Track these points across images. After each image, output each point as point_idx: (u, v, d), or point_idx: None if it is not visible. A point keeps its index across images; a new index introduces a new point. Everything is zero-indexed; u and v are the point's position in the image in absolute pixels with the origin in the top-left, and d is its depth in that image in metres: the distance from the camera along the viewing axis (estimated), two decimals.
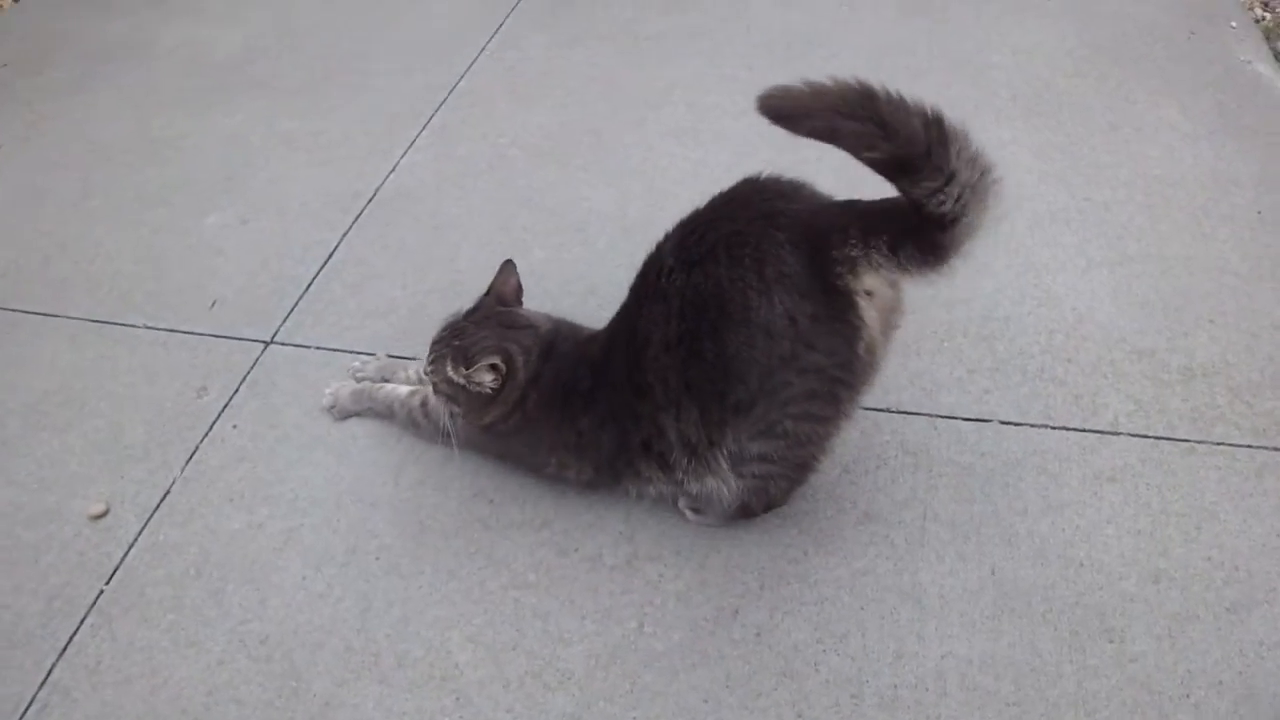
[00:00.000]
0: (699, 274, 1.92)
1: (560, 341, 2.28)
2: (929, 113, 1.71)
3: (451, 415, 2.33)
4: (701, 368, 1.95)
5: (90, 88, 4.09)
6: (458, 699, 2.06)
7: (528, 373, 2.23)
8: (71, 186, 3.56)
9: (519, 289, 2.41)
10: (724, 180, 3.03)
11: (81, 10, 4.69)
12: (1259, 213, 3.08)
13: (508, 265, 2.38)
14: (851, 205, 1.94)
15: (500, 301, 2.35)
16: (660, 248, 2.07)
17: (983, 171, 1.75)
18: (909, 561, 2.23)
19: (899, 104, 1.71)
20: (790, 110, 1.81)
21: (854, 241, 1.85)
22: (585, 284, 2.90)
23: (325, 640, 2.18)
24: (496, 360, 2.17)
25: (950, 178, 1.72)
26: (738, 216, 1.96)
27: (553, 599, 2.21)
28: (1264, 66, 3.71)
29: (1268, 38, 3.91)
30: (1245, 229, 3.02)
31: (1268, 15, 4.15)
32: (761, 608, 2.16)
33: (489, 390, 2.21)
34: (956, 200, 1.74)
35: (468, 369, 2.17)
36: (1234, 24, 3.96)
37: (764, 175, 2.06)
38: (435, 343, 2.30)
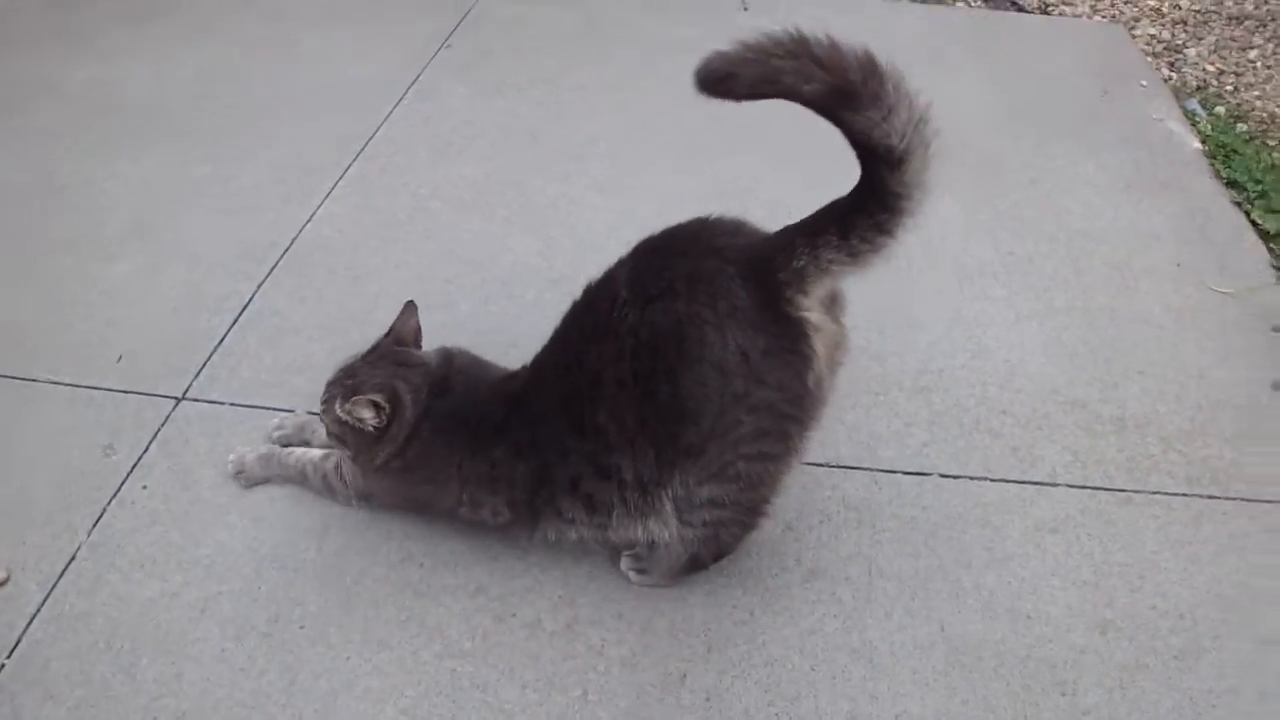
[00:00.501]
0: (656, 310, 1.87)
1: (458, 374, 2.24)
2: (859, 48, 1.70)
3: (340, 463, 2.29)
4: (656, 407, 1.89)
5: None
6: None
7: (417, 409, 2.16)
8: None
9: (418, 330, 2.36)
10: (650, 231, 3.01)
11: None
12: (1178, 265, 3.14)
13: (409, 306, 2.35)
14: (791, 225, 1.92)
15: (398, 342, 2.30)
16: (611, 280, 2.01)
17: (920, 112, 1.75)
18: (857, 619, 2.18)
19: (830, 42, 1.69)
20: (726, 68, 1.74)
21: (801, 251, 1.83)
22: (509, 337, 2.79)
23: (248, 716, 2.04)
24: (377, 397, 2.11)
25: (890, 110, 1.71)
26: (691, 252, 1.93)
27: (491, 668, 2.11)
28: (1174, 124, 3.81)
29: (1176, 96, 4.03)
30: (1166, 281, 3.07)
31: (1174, 75, 4.28)
32: (710, 671, 2.09)
33: (372, 428, 2.14)
34: (901, 136, 1.72)
35: (349, 406, 2.10)
36: (1144, 83, 4.07)
37: (711, 216, 2.03)
38: (329, 383, 2.24)
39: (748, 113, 3.62)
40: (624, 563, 2.24)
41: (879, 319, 2.86)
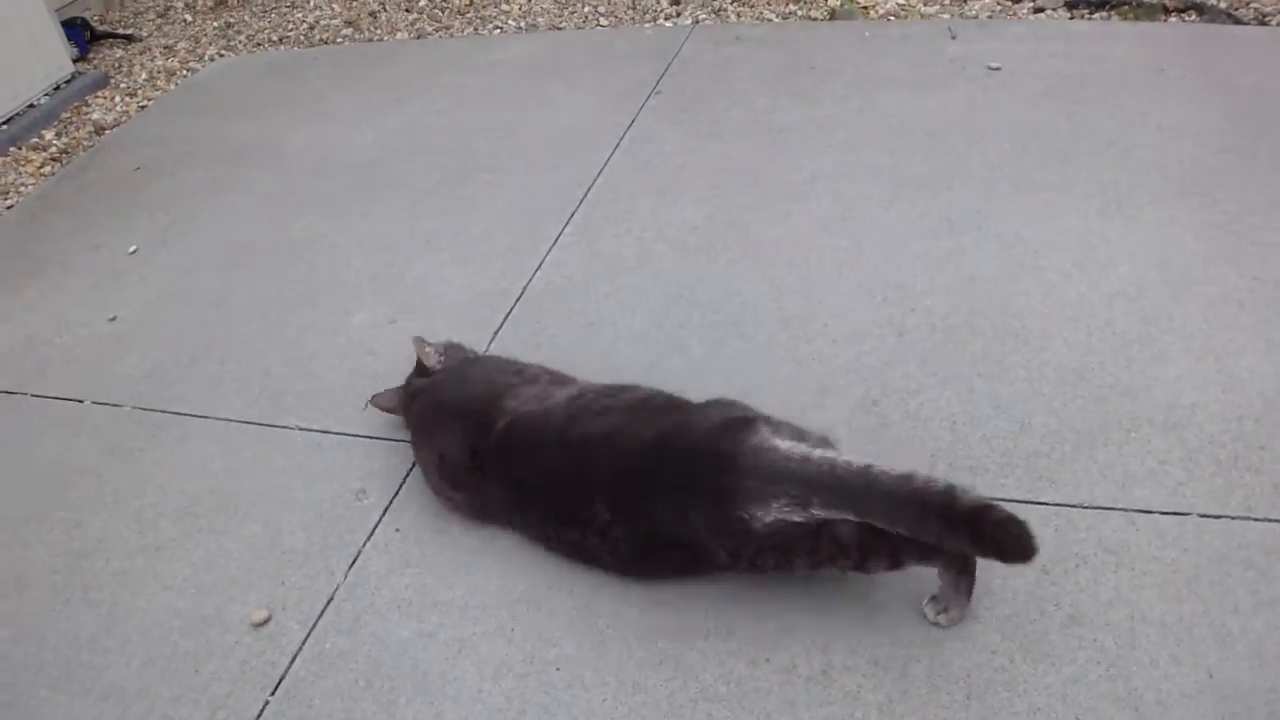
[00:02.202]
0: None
1: None
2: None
3: None
4: None
5: (225, 190, 4.12)
6: None
7: None
8: (212, 287, 3.56)
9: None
10: (880, 270, 2.94)
11: (210, 116, 4.77)
12: None
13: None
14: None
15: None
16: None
17: None
18: (1121, 666, 2.04)
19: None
20: None
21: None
22: (749, 381, 2.78)
23: None
24: None
25: None
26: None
27: (747, 713, 2.05)
28: None
29: None
30: None
31: None
32: None
33: None
34: None
35: None
36: None
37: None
38: None
39: (963, 145, 3.59)
40: (929, 612, 2.17)
41: (1125, 352, 2.72)
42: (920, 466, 2.40)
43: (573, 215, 3.58)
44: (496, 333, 3.10)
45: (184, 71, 5.67)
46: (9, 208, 4.48)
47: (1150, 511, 2.34)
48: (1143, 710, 1.98)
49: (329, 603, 2.38)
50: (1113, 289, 2.92)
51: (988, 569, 2.16)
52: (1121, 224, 3.16)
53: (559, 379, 2.57)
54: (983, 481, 2.40)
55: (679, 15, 4.97)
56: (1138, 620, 2.12)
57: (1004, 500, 2.30)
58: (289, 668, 2.27)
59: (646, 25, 4.89)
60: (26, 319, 3.62)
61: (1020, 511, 2.26)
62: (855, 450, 2.48)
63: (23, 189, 4.60)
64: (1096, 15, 4.62)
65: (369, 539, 2.51)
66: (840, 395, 2.69)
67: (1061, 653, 2.08)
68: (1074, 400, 2.59)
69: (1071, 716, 1.98)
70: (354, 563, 2.47)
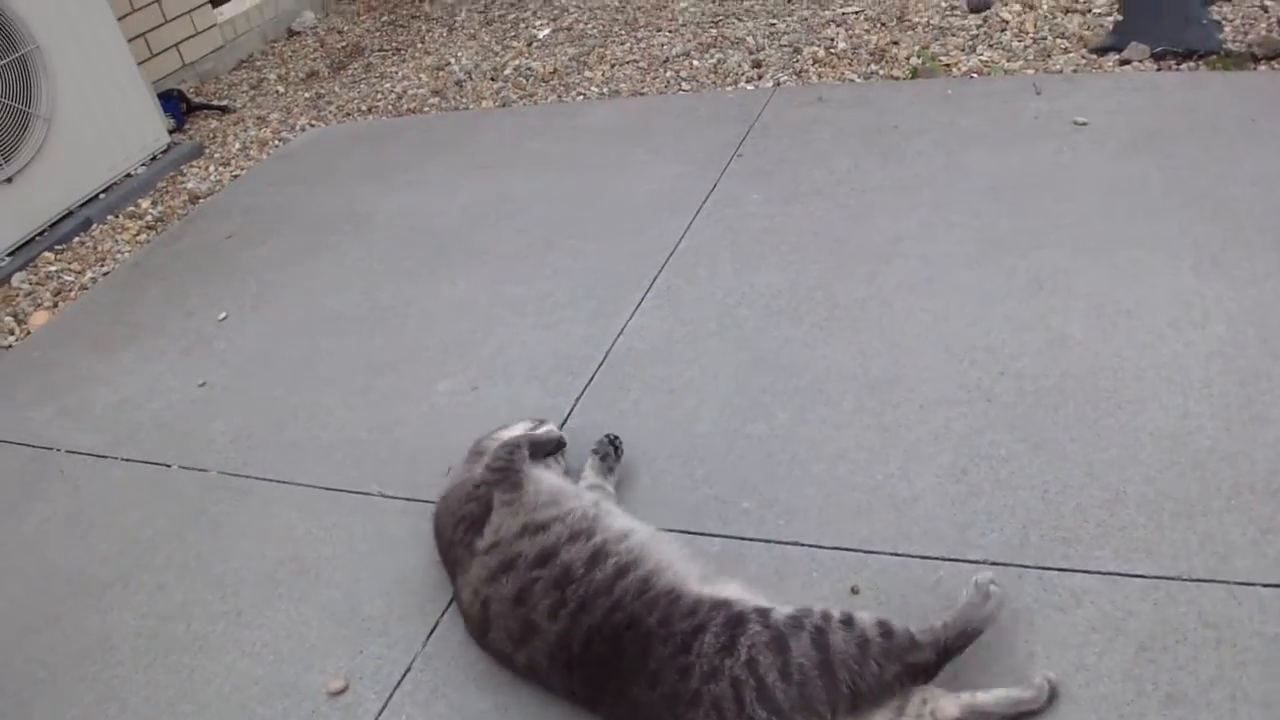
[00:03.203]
0: None
1: None
2: None
3: None
4: None
5: (314, 257, 4.19)
6: None
7: None
8: (300, 354, 3.60)
9: None
10: (967, 333, 2.86)
11: (300, 186, 4.87)
12: None
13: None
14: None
15: None
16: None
17: None
18: None
19: None
20: None
21: None
22: (835, 448, 2.72)
23: None
24: None
25: None
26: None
27: None
28: None
29: None
30: None
31: None
32: None
33: None
34: None
35: None
36: None
37: None
38: None
39: (1050, 202, 3.51)
40: None
41: (1223, 415, 2.60)
42: (1012, 538, 2.36)
43: (655, 280, 3.56)
44: (578, 399, 3.08)
45: (276, 141, 5.80)
46: (106, 274, 4.59)
47: (1252, 584, 2.22)
48: None
49: (406, 673, 2.36)
50: (1209, 349, 2.80)
51: (1084, 646, 2.08)
52: (1216, 280, 3.04)
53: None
54: (1076, 553, 2.30)
55: (760, 78, 4.97)
56: (1239, 700, 2.00)
57: (1099, 573, 2.23)
58: None
59: (728, 89, 4.89)
60: (122, 383, 3.69)
61: (1117, 585, 2.20)
62: (946, 521, 2.43)
63: (119, 256, 4.72)
64: (1184, 66, 4.51)
65: (447, 608, 2.48)
66: (928, 464, 2.62)
67: None
68: (1171, 466, 2.48)
69: None
70: (432, 632, 2.44)
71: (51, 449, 3.43)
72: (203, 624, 2.63)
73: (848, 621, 1.95)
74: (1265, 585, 2.21)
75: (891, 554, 2.40)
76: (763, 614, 1.97)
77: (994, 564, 2.30)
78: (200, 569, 2.80)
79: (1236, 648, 2.10)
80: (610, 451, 2.72)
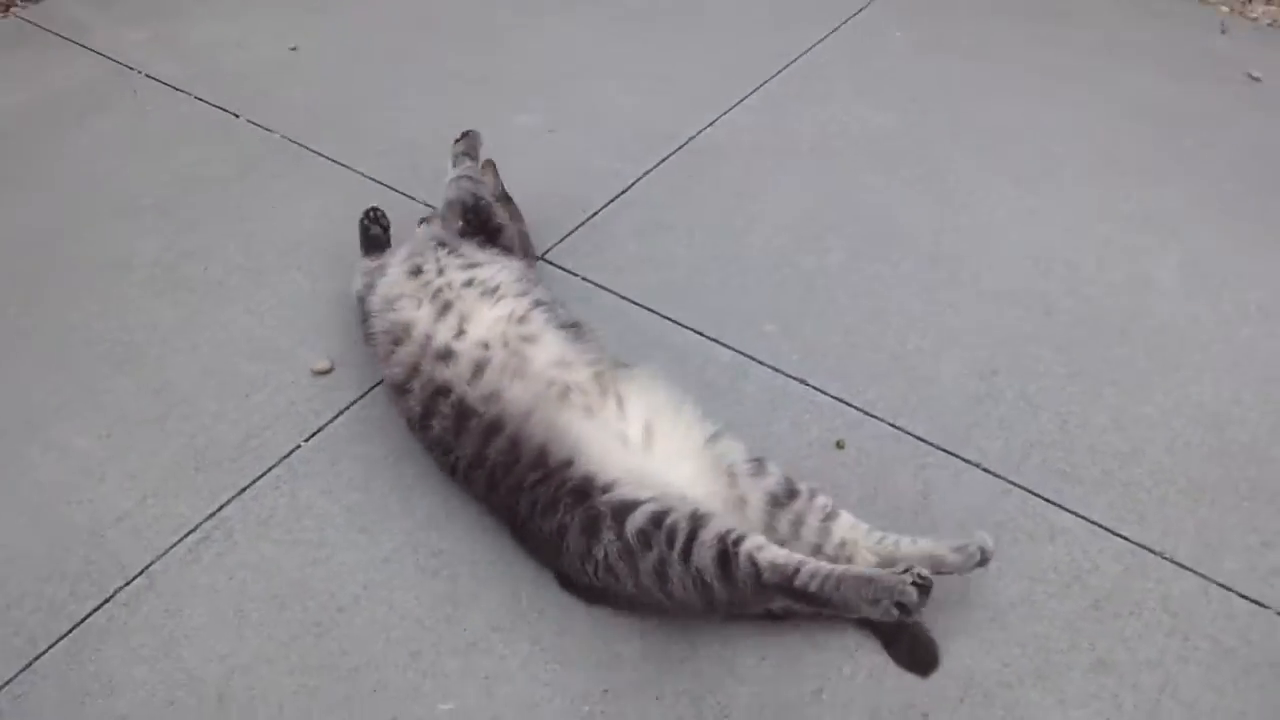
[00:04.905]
0: None
1: None
2: None
3: None
4: None
5: None
6: None
7: None
8: (393, 48, 3.55)
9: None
10: (1056, 242, 2.69)
11: None
12: None
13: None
14: None
15: None
16: None
17: None
18: None
19: None
20: None
21: None
22: (875, 303, 2.63)
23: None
24: None
25: None
26: None
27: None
28: None
29: None
30: None
31: None
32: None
33: None
34: None
35: None
36: None
37: None
38: None
39: (1189, 147, 3.26)
40: None
41: (1273, 417, 2.43)
42: (1014, 453, 2.28)
43: (765, 83, 3.41)
44: (647, 173, 3.00)
45: None
46: None
47: (1230, 589, 2.09)
48: None
49: None
50: None
51: (1038, 580, 2.04)
52: None
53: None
54: (1071, 491, 2.22)
55: None
56: (1167, 693, 1.91)
57: (1084, 519, 2.15)
58: (331, 421, 2.29)
59: None
60: (218, 25, 3.67)
61: (1096, 536, 2.11)
62: (956, 412, 2.35)
63: None
64: None
65: None
66: (961, 351, 2.52)
67: (1076, 694, 1.90)
68: (1200, 445, 2.34)
69: None
70: None
71: (132, 69, 3.44)
72: (219, 271, 2.66)
73: (686, 555, 1.83)
74: (1242, 596, 2.08)
75: (890, 424, 2.33)
76: (619, 518, 1.88)
77: (986, 470, 2.23)
78: (234, 220, 2.82)
79: (1187, 643, 1.99)
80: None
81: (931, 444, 2.29)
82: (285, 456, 2.22)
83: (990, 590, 2.01)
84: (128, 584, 2.02)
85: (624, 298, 2.61)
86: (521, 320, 2.15)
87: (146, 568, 2.04)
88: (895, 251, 2.80)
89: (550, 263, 2.70)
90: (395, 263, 2.35)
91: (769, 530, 1.93)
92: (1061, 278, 2.74)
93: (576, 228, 2.81)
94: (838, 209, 2.93)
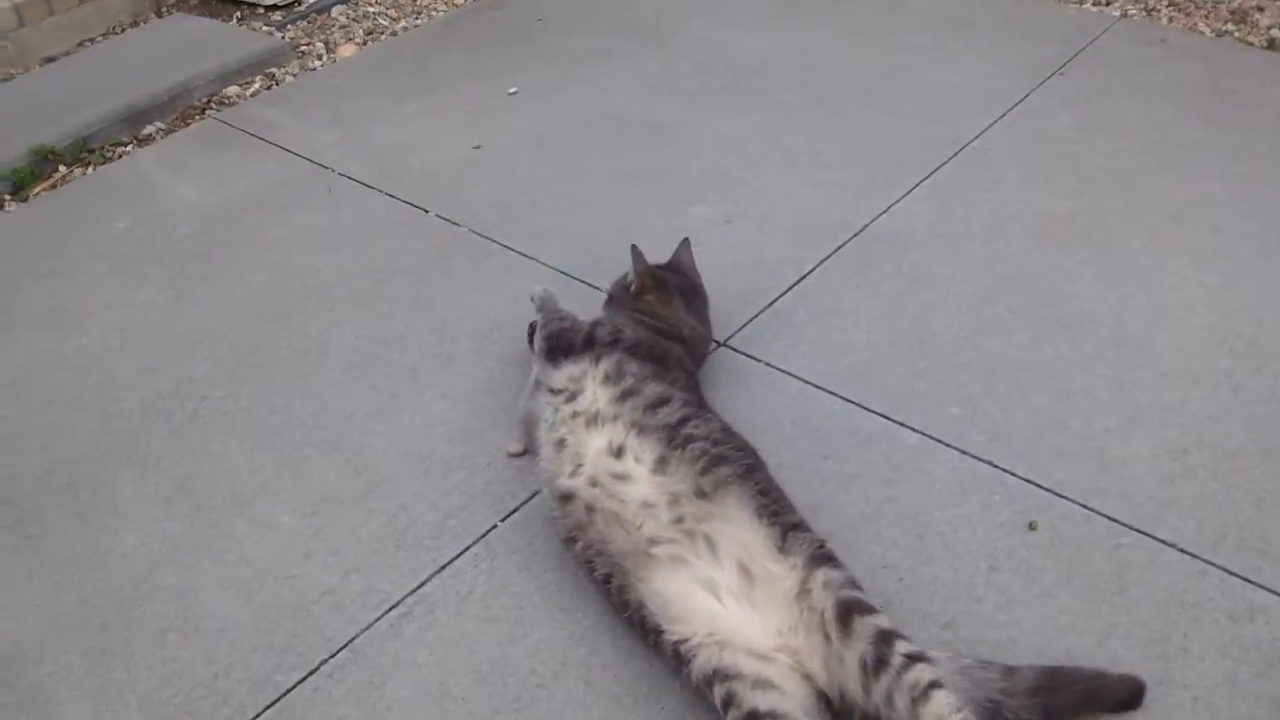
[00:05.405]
0: None
1: None
2: None
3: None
4: None
5: (609, 60, 4.21)
6: None
7: None
8: (573, 144, 3.68)
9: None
10: (1237, 318, 2.64)
11: None
12: None
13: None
14: None
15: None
16: None
17: None
18: None
19: None
20: None
21: None
22: (1062, 384, 2.61)
23: None
24: None
25: None
26: None
27: None
28: None
29: None
30: None
31: None
32: None
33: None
34: None
35: None
36: None
37: None
38: None
39: None
40: None
41: None
42: (1210, 532, 2.23)
43: (935, 171, 3.44)
44: (822, 261, 3.05)
45: None
46: (417, 25, 4.74)
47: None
48: None
49: None
50: None
51: (1240, 660, 1.99)
52: None
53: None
54: (1270, 570, 2.15)
55: (1107, 3, 4.64)
56: None
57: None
58: (526, 501, 2.36)
59: (1071, 5, 4.59)
60: (404, 127, 3.87)
61: None
62: (1149, 493, 2.31)
63: (435, 12, 4.85)
64: None
65: None
66: (1150, 432, 2.48)
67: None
68: None
69: None
70: None
71: (327, 168, 3.65)
72: (414, 357, 2.79)
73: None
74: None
75: (1081, 505, 2.30)
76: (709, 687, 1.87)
77: (1182, 550, 2.19)
78: (427, 308, 2.95)
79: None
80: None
81: (1124, 524, 2.25)
82: (483, 535, 2.29)
83: (1193, 672, 1.97)
84: (332, 656, 2.10)
85: (808, 382, 2.64)
86: (619, 454, 2.13)
87: (350, 641, 2.12)
88: (1076, 332, 2.78)
89: (733, 349, 2.75)
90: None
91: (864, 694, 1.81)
92: (1245, 355, 2.68)
93: (757, 314, 2.86)
94: (1016, 292, 2.93)
